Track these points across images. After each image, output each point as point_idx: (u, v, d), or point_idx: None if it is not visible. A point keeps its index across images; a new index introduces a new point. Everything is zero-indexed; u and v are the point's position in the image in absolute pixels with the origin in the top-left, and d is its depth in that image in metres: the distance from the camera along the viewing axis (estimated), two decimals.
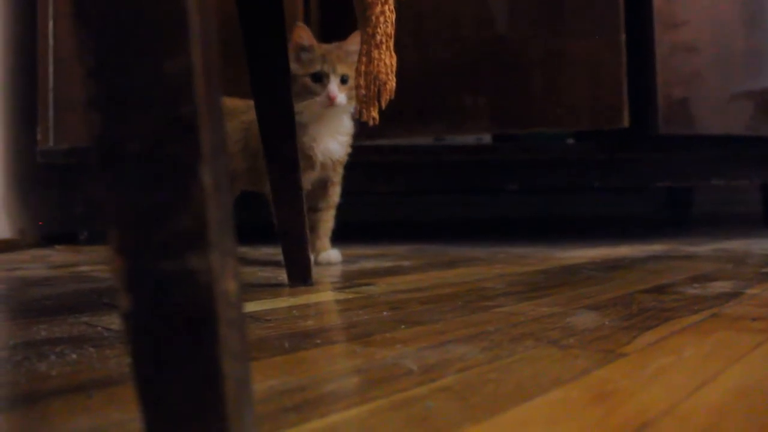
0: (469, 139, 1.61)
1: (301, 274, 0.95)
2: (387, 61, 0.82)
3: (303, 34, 1.18)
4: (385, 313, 0.72)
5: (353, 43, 1.16)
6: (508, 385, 0.44)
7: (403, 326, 0.64)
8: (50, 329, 0.63)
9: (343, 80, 1.18)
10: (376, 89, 0.86)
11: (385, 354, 0.53)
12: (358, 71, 0.86)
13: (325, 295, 0.86)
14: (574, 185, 1.67)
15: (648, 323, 0.63)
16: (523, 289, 0.89)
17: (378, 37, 0.74)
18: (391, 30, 0.74)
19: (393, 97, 0.88)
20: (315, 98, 1.18)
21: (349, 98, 1.19)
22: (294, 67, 1.14)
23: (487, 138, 1.63)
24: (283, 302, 0.80)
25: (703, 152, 1.65)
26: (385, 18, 0.72)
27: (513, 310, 0.71)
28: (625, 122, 1.39)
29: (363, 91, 0.87)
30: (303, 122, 1.18)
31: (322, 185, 1.26)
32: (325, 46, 1.19)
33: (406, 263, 1.24)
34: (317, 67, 1.17)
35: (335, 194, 1.27)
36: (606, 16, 1.40)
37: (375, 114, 0.89)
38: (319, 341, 0.58)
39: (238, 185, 1.31)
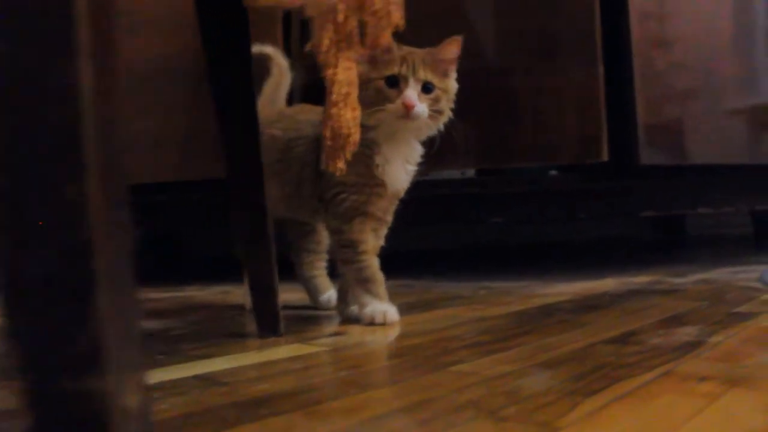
0: (453, 172, 1.61)
1: (270, 324, 0.95)
2: (348, 116, 0.83)
3: None
4: (342, 373, 0.73)
5: (447, 52, 1.01)
6: None
7: (353, 391, 0.65)
8: None
9: (426, 88, 0.99)
10: (341, 142, 0.87)
11: (325, 429, 0.54)
12: (324, 123, 0.87)
13: (289, 350, 0.86)
14: (558, 216, 1.67)
15: (595, 386, 0.63)
16: (489, 339, 0.89)
17: (333, 97, 0.76)
18: (347, 89, 0.75)
19: (356, 148, 0.89)
20: (387, 105, 0.98)
21: (434, 115, 1.01)
22: (366, 70, 0.98)
23: (470, 171, 1.63)
24: (246, 358, 0.81)
25: (689, 180, 1.65)
26: (339, 80, 0.73)
27: (469, 369, 0.72)
28: (604, 156, 1.39)
29: (329, 143, 0.88)
30: (377, 140, 1.01)
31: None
32: (409, 49, 1.00)
33: None
34: (394, 69, 0.97)
35: (382, 237, 1.08)
36: (583, 50, 1.41)
37: (342, 165, 0.90)
38: (264, 411, 0.59)
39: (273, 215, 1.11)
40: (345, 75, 0.74)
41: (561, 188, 1.60)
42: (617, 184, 1.59)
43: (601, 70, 1.40)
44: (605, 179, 1.56)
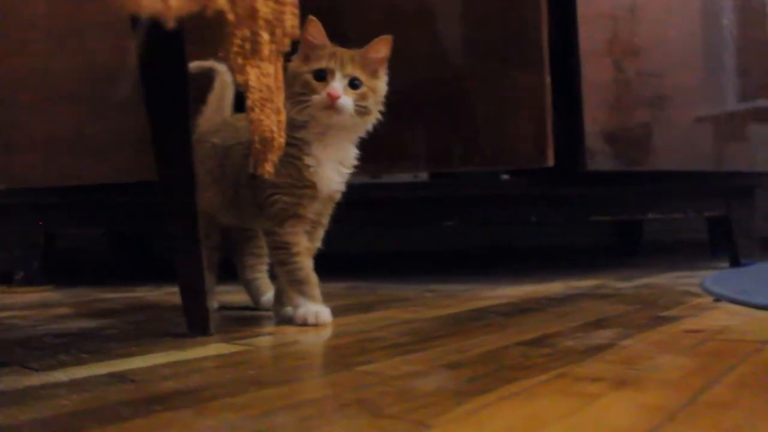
0: (405, 176, 1.63)
1: (200, 324, 0.97)
2: (269, 120, 0.84)
3: (314, 31, 1.01)
4: (251, 371, 0.74)
5: (376, 50, 1.04)
6: None
7: (252, 389, 0.66)
8: None
9: (353, 84, 1.01)
10: (266, 146, 0.89)
11: (208, 424, 0.55)
12: (251, 128, 0.89)
13: (212, 349, 0.88)
14: (510, 220, 1.69)
15: (489, 385, 0.65)
16: (409, 340, 0.90)
17: (248, 102, 0.77)
18: (261, 95, 0.77)
19: (282, 151, 0.91)
20: (312, 97, 1.01)
21: (361, 111, 1.02)
22: (298, 65, 1.02)
23: (424, 175, 1.65)
24: (166, 357, 0.82)
25: (639, 186, 1.67)
26: (252, 86, 0.75)
27: (374, 369, 0.73)
28: (550, 162, 1.42)
29: (258, 146, 0.90)
30: (307, 139, 1.03)
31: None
32: (340, 48, 1.03)
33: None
34: (322, 64, 1.01)
35: (318, 239, 1.10)
36: (531, 58, 1.43)
37: (270, 168, 0.92)
38: (158, 407, 0.60)
39: (215, 223, 1.17)
40: (259, 81, 0.76)
41: (512, 192, 1.62)
42: (568, 189, 1.61)
43: (547, 77, 1.42)
44: (556, 184, 1.59)
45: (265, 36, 0.69)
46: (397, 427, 0.53)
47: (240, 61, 0.70)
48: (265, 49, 0.70)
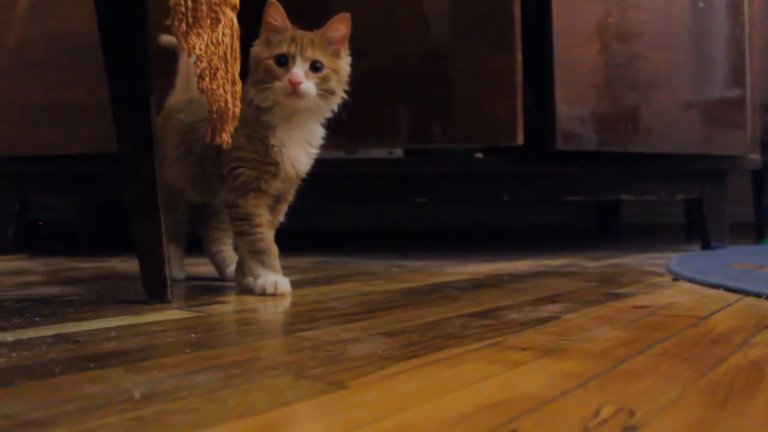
0: (380, 152, 1.64)
1: (158, 291, 0.98)
2: (222, 89, 0.85)
3: (275, 14, 1.02)
4: (193, 335, 0.76)
5: (335, 29, 1.05)
6: (195, 416, 0.48)
7: (188, 350, 0.68)
8: None
9: (315, 67, 1.03)
10: (220, 116, 0.90)
11: (135, 380, 0.57)
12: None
13: (167, 315, 0.89)
14: (484, 198, 1.70)
15: (418, 352, 0.67)
16: (358, 310, 0.92)
17: (197, 71, 0.78)
18: (208, 63, 0.77)
19: (237, 122, 0.92)
20: (275, 83, 1.02)
21: (324, 94, 1.04)
22: (260, 50, 1.04)
23: (398, 152, 1.66)
24: (117, 321, 0.84)
25: (613, 168, 1.68)
26: (199, 55, 0.76)
27: (313, 335, 0.75)
28: (519, 140, 1.43)
29: (214, 116, 0.90)
30: (273, 123, 1.05)
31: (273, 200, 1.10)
32: (300, 31, 1.04)
33: (291, 278, 1.27)
34: (282, 49, 1.02)
35: (282, 213, 1.13)
36: (503, 37, 1.43)
37: (226, 138, 0.93)
38: (91, 365, 0.62)
39: (183, 197, 1.21)
40: (207, 50, 0.76)
41: (485, 171, 1.63)
42: (541, 169, 1.62)
43: (519, 55, 1.43)
44: (529, 164, 1.59)
45: (203, 3, 0.70)
46: (313, 387, 0.55)
47: (183, 28, 0.71)
48: (207, 17, 0.71)
